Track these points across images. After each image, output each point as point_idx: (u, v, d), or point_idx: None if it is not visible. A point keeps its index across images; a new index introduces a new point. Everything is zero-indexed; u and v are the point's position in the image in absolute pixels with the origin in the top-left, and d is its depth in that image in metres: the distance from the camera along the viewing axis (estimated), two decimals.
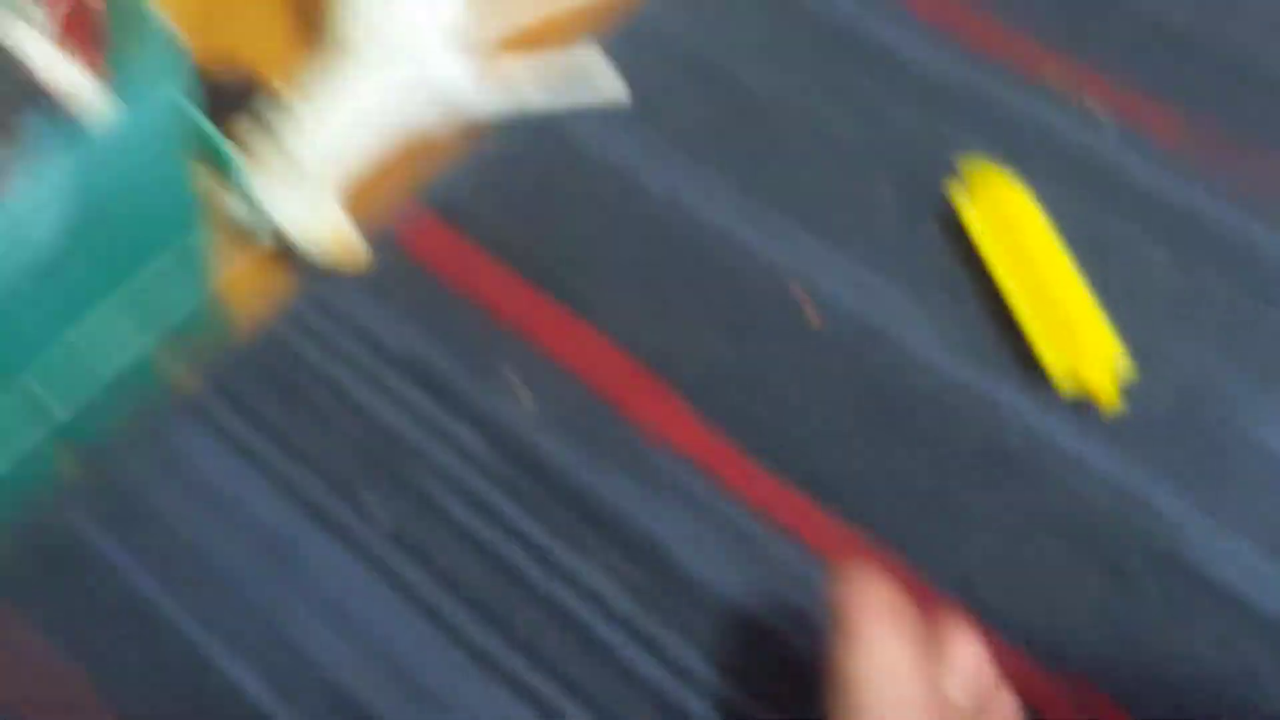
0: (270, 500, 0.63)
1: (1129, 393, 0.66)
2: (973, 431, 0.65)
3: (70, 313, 0.58)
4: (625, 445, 0.65)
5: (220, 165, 0.62)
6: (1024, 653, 0.59)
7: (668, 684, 0.59)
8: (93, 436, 0.64)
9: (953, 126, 0.75)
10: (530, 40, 0.77)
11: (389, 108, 0.72)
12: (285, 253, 0.69)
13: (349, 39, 0.72)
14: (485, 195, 0.73)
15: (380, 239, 0.70)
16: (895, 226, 0.71)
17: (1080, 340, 0.66)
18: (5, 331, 0.55)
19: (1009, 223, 0.70)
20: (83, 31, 0.57)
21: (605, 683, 0.59)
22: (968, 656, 0.50)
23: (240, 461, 0.64)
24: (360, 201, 0.71)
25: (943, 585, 0.61)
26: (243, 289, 0.68)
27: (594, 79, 0.75)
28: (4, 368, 0.57)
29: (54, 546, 0.62)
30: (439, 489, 0.63)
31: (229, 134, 0.62)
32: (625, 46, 0.78)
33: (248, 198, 0.62)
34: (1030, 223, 0.70)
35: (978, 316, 0.68)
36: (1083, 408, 0.65)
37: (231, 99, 0.70)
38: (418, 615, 0.60)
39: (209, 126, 0.60)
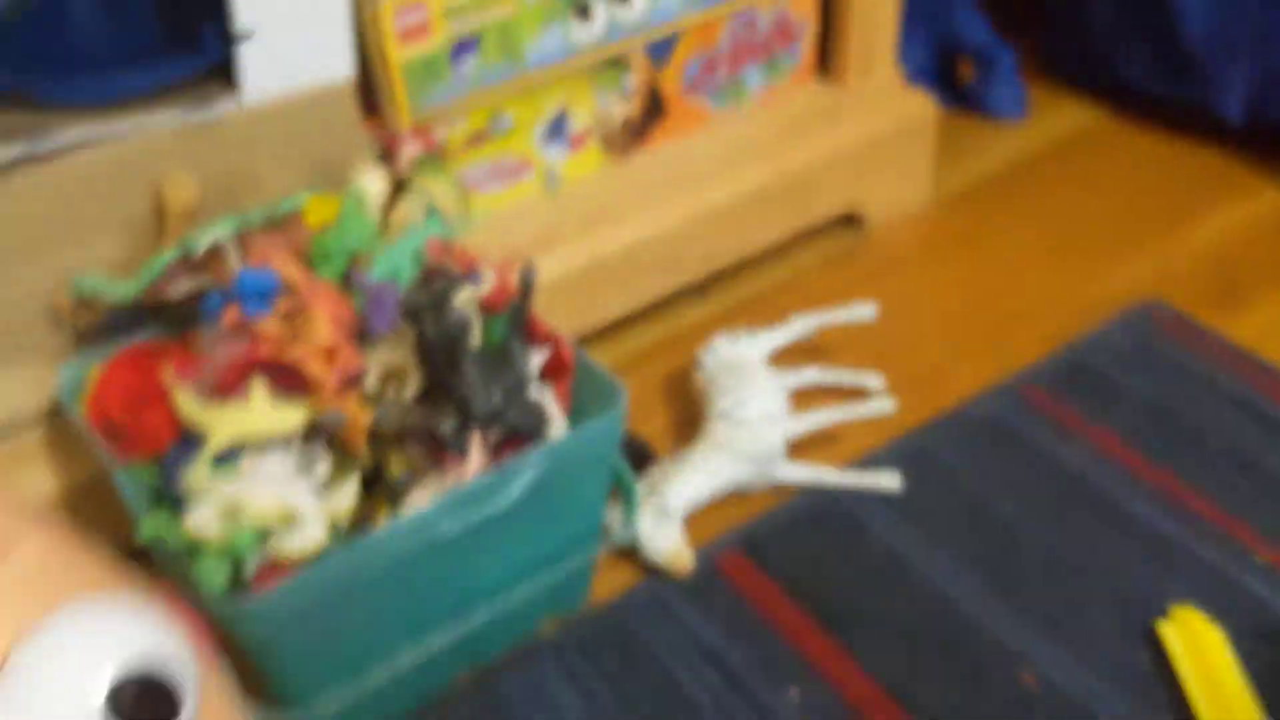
0: None
1: None
2: None
3: (506, 566, 0.83)
4: None
5: (620, 490, 0.88)
6: None
7: None
8: (479, 660, 0.87)
9: (1163, 570, 0.95)
10: (832, 436, 1.04)
11: (726, 475, 0.98)
12: (637, 556, 0.94)
13: (708, 430, 1.00)
14: (781, 541, 0.97)
15: (702, 559, 0.95)
16: (1104, 635, 0.91)
17: None
18: (467, 573, 0.81)
19: (1204, 657, 0.87)
20: (557, 375, 0.86)
21: None
22: None
23: (580, 701, 0.86)
24: (693, 530, 0.96)
25: None
26: (603, 574, 0.93)
27: (876, 472, 1.00)
28: (458, 605, 0.82)
29: None
30: None
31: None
32: (902, 455, 1.03)
33: (628, 517, 0.88)
34: (1222, 662, 0.87)
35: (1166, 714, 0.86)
36: None
37: (632, 454, 0.98)
38: None
39: (622, 464, 0.87)
